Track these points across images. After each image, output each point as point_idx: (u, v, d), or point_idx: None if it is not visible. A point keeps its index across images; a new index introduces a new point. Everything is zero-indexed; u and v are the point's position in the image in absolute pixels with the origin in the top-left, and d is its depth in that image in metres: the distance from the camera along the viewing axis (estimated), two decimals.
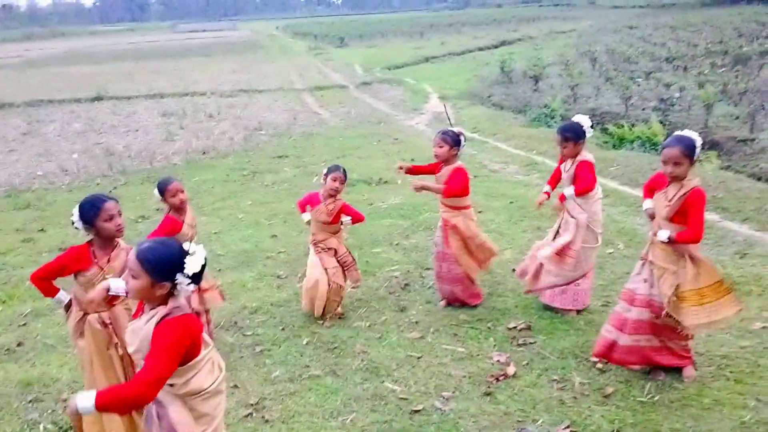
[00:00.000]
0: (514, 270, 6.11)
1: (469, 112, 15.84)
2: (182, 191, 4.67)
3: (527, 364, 4.50)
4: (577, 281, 5.09)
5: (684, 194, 3.85)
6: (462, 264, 5.29)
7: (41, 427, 4.08)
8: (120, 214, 3.59)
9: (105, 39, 72.46)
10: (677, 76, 16.21)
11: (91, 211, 3.51)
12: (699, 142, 3.88)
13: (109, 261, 3.59)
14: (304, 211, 5.34)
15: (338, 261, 5.31)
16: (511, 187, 9.12)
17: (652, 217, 4.21)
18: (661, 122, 11.89)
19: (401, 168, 5.57)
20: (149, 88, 23.05)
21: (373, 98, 19.55)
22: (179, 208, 4.67)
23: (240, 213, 8.72)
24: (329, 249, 5.33)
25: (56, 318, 5.61)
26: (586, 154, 5.03)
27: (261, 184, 10.22)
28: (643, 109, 13.18)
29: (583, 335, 4.82)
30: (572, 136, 4.96)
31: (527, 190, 8.91)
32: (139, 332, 2.55)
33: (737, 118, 11.57)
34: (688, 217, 3.86)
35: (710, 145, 10.63)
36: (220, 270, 6.66)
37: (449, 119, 6.03)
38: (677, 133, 3.98)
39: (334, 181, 5.16)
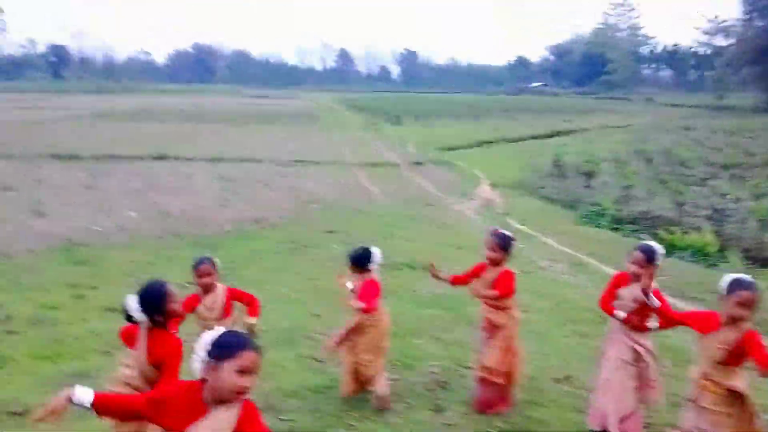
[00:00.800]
0: (555, 378, 6.03)
1: (519, 203, 15.92)
2: (209, 275, 4.79)
3: None
4: None
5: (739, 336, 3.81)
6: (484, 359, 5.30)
7: None
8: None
9: (172, 98, 75.62)
10: (733, 185, 16.04)
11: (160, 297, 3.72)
12: None
13: None
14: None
15: None
16: (557, 287, 9.06)
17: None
18: (714, 232, 11.72)
19: (434, 274, 5.67)
20: (209, 151, 23.84)
21: (423, 179, 19.83)
22: (204, 289, 4.83)
23: (284, 287, 8.84)
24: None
25: (99, 381, 5.71)
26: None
27: (308, 258, 10.37)
28: (696, 217, 13.03)
29: None
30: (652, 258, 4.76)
31: (573, 291, 8.84)
32: None
33: None
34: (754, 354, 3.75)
35: (763, 261, 10.42)
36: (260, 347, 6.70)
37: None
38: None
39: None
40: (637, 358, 4.82)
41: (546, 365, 6.27)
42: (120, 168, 19.58)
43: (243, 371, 2.61)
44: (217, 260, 5.05)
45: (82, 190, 16.01)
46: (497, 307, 5.36)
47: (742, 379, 3.87)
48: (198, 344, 2.71)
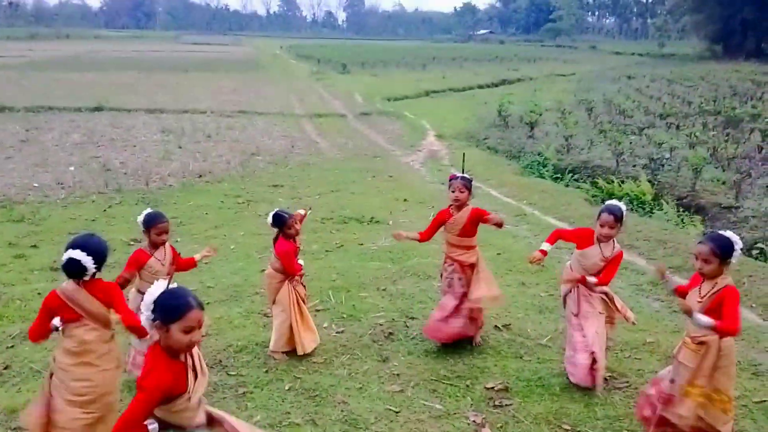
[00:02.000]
0: (496, 326, 6.27)
1: (464, 154, 16.06)
2: (167, 232, 4.89)
3: (501, 427, 4.63)
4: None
5: (717, 291, 4.01)
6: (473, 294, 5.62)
7: None
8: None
9: (109, 44, 72.85)
10: (669, 134, 16.55)
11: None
12: (738, 245, 4.03)
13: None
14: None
15: None
16: (499, 236, 9.26)
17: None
18: (649, 181, 12.14)
19: (399, 236, 5.74)
20: (150, 101, 23.26)
21: (371, 130, 19.81)
22: (155, 245, 4.88)
23: (232, 243, 8.85)
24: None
25: (44, 342, 5.68)
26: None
27: (254, 213, 10.35)
28: (634, 166, 13.45)
29: (558, 401, 4.95)
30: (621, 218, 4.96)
31: (515, 241, 9.09)
32: None
33: (724, 183, 11.85)
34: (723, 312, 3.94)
35: (696, 209, 10.89)
36: (208, 303, 6.75)
37: (463, 168, 6.24)
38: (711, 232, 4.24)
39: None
40: (607, 306, 5.14)
41: (487, 314, 6.47)
42: (57, 120, 18.98)
43: (190, 330, 2.84)
44: None
45: (17, 143, 15.52)
46: (467, 248, 5.63)
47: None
48: (143, 303, 2.88)
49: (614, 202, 5.14)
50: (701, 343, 4.01)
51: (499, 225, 5.57)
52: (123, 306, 3.92)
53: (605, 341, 5.08)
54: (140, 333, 3.77)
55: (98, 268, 3.78)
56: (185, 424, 3.00)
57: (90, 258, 3.69)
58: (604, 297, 5.11)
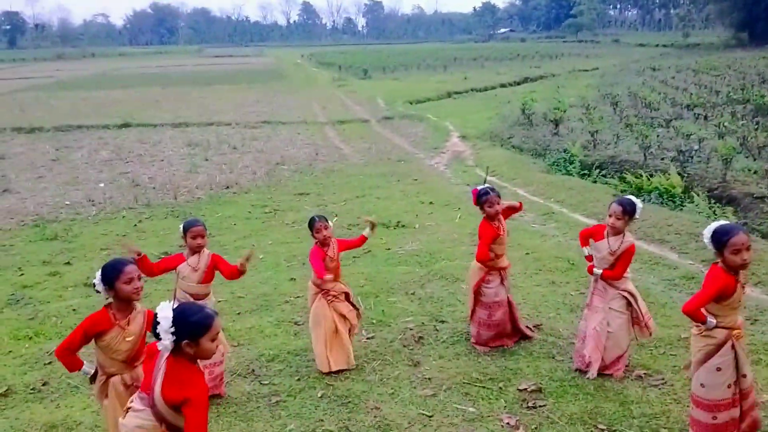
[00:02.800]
0: (527, 327, 6.23)
1: (489, 154, 16.01)
2: (203, 236, 4.95)
3: (536, 428, 4.59)
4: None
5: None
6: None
7: None
8: (139, 278, 3.81)
9: (134, 61, 74.02)
10: (697, 125, 16.29)
11: (112, 273, 3.73)
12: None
13: (128, 323, 3.77)
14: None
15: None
16: (527, 236, 9.23)
17: None
18: (679, 174, 11.95)
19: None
20: (175, 116, 23.58)
21: (394, 134, 19.83)
22: (192, 251, 4.95)
23: (260, 253, 8.91)
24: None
25: (81, 357, 5.79)
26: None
27: (282, 222, 10.43)
28: (662, 159, 13.25)
29: (593, 400, 4.90)
30: (631, 211, 4.97)
31: (543, 241, 9.02)
32: None
33: (755, 172, 11.62)
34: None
35: (727, 200, 10.69)
36: (239, 314, 6.84)
37: (485, 179, 6.20)
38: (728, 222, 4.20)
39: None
40: (628, 304, 5.10)
41: (518, 315, 6.45)
42: (86, 138, 19.34)
43: (216, 337, 3.06)
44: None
45: (48, 163, 15.84)
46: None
47: None
48: (161, 329, 2.92)
49: (629, 197, 5.16)
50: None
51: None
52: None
53: (604, 339, 5.10)
54: None
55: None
56: None
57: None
58: (627, 296, 5.08)
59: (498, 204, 5.49)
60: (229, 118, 22.92)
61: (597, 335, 5.11)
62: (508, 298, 5.77)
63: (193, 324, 2.95)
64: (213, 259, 5.06)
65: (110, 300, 3.81)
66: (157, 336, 2.95)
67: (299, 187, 12.92)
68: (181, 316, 2.94)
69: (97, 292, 3.81)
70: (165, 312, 2.93)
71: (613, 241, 4.98)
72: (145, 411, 3.08)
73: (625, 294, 5.09)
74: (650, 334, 5.21)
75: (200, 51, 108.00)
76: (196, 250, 4.97)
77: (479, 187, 5.64)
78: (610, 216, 4.98)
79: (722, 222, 4.10)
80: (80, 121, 22.37)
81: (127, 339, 3.73)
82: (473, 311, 5.79)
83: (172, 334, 2.91)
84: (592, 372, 5.13)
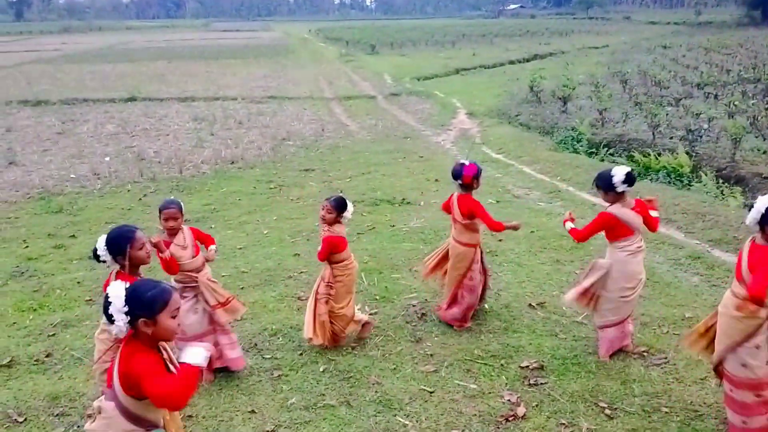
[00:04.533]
0: (530, 305, 6.22)
1: (496, 132, 15.91)
2: (175, 218, 4.74)
3: (537, 405, 4.59)
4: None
5: None
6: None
7: None
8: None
9: (140, 35, 73.67)
10: (707, 104, 16.12)
11: (125, 241, 3.72)
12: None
13: None
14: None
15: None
16: (533, 215, 9.19)
17: None
18: (687, 153, 11.86)
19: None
20: (181, 90, 23.50)
21: (400, 110, 19.71)
22: (169, 233, 4.78)
23: (265, 228, 8.90)
24: None
25: (84, 330, 5.83)
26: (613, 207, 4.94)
27: (287, 198, 10.41)
28: (671, 138, 13.14)
29: (594, 378, 4.89)
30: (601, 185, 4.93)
31: (549, 219, 8.97)
32: None
33: (765, 152, 11.51)
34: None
35: (736, 180, 10.60)
36: (242, 288, 6.83)
37: (467, 155, 6.18)
38: None
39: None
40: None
41: (522, 292, 6.45)
42: (92, 112, 19.29)
43: (176, 314, 2.83)
44: (181, 203, 4.94)
45: (54, 136, 15.82)
46: (467, 228, 5.67)
47: None
48: (113, 309, 2.74)
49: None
50: None
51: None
52: None
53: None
54: None
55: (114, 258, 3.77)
56: (159, 421, 2.98)
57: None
58: None
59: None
60: (235, 92, 22.82)
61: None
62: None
63: (148, 299, 2.74)
64: (193, 232, 4.94)
65: (117, 268, 3.78)
66: (110, 318, 2.75)
67: (304, 163, 12.87)
68: (134, 293, 2.75)
69: (101, 261, 3.79)
70: (117, 291, 2.74)
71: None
72: (110, 406, 2.87)
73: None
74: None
75: (207, 25, 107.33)
76: (170, 232, 4.75)
77: (471, 163, 5.63)
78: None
79: None
80: (86, 95, 22.32)
81: None
82: (457, 296, 5.80)
83: (126, 313, 2.72)
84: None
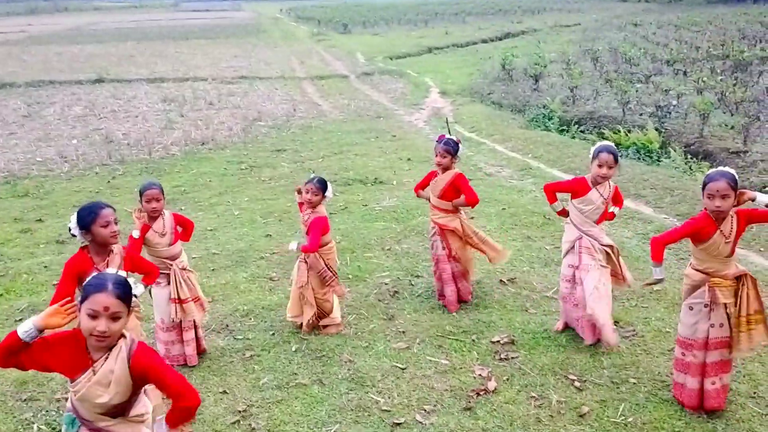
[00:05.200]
0: (501, 281, 6.26)
1: (469, 110, 15.90)
2: (158, 200, 4.69)
3: (508, 379, 4.64)
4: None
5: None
6: (463, 262, 5.69)
7: (35, 427, 4.22)
8: (116, 222, 3.78)
9: (109, 16, 72.07)
10: (677, 81, 16.26)
11: (89, 216, 3.70)
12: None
13: (107, 266, 3.71)
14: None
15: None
16: (504, 192, 9.23)
17: None
18: (657, 129, 11.97)
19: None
20: (150, 71, 23.10)
21: (373, 90, 19.60)
22: (151, 216, 4.73)
23: (236, 210, 8.83)
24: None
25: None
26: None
27: (258, 179, 10.32)
28: (641, 115, 13.24)
29: (564, 352, 4.96)
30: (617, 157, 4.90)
31: (520, 196, 9.02)
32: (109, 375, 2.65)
33: (732, 128, 11.65)
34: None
35: (704, 155, 10.74)
36: (213, 270, 6.79)
37: (449, 130, 6.08)
38: (721, 168, 4.00)
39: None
40: (608, 258, 4.97)
41: (492, 269, 6.47)
42: (58, 94, 18.89)
43: (93, 315, 2.55)
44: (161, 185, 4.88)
45: (20, 119, 15.48)
46: (448, 211, 5.56)
47: None
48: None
49: (608, 142, 5.04)
50: (738, 277, 3.99)
51: (468, 201, 5.50)
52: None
53: (609, 294, 4.90)
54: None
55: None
56: None
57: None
58: (609, 250, 4.95)
59: (442, 157, 5.48)
60: (205, 73, 22.48)
61: (600, 294, 4.80)
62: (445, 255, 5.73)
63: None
64: (175, 219, 4.88)
65: (86, 243, 3.78)
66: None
67: (276, 143, 12.76)
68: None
69: (73, 236, 3.77)
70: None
71: (602, 189, 4.88)
72: None
73: (607, 249, 4.94)
74: (629, 285, 5.15)
75: (176, 5, 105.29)
76: (152, 215, 4.70)
77: (445, 134, 5.60)
78: (601, 166, 4.73)
79: (722, 168, 4.00)
80: (53, 77, 21.83)
81: None
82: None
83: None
84: (612, 338, 4.70)
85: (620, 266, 5.03)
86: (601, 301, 4.78)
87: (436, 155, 5.45)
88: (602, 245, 4.96)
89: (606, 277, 4.94)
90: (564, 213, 5.18)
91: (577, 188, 4.95)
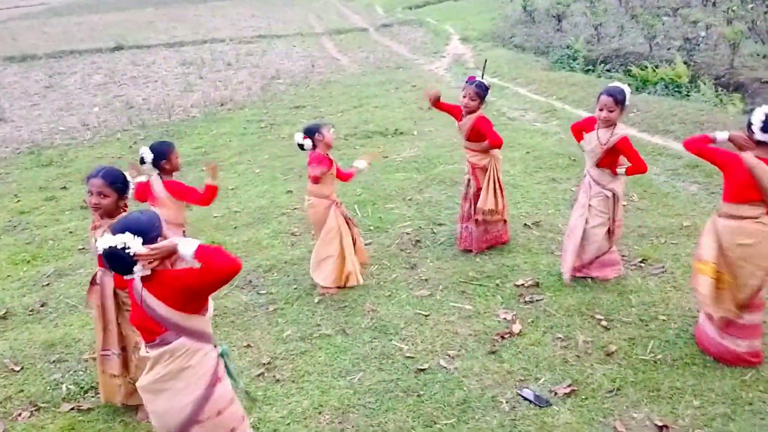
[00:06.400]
0: (525, 224, 6.14)
1: (491, 55, 15.50)
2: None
3: (533, 321, 4.56)
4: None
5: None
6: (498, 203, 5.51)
7: (63, 387, 4.27)
8: (99, 194, 3.50)
9: None
10: (706, 13, 15.63)
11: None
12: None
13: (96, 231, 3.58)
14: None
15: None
16: (528, 135, 9.02)
17: None
18: (685, 63, 11.54)
19: (431, 99, 5.45)
20: (169, 36, 23.03)
21: (393, 41, 19.28)
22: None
23: (257, 168, 8.79)
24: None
25: (78, 278, 5.81)
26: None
27: (278, 136, 10.24)
28: (668, 49, 12.77)
29: (590, 292, 4.85)
30: (622, 100, 4.62)
31: (544, 138, 8.81)
32: None
33: (764, 57, 11.18)
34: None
35: (735, 87, 10.35)
36: (236, 228, 6.78)
37: (483, 73, 5.87)
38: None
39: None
40: (606, 204, 4.80)
41: (517, 213, 6.35)
42: (79, 64, 18.95)
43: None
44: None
45: (42, 90, 15.58)
46: (480, 151, 5.43)
47: None
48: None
49: (616, 83, 4.77)
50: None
51: (492, 143, 5.32)
52: None
53: (578, 236, 4.85)
54: None
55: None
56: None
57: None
58: (610, 196, 4.76)
59: (471, 99, 5.28)
60: (224, 34, 22.33)
61: (571, 231, 4.93)
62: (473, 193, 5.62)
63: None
64: (168, 188, 4.47)
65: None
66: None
67: (295, 100, 12.64)
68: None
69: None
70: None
71: (603, 133, 4.64)
72: (179, 341, 2.76)
73: (608, 194, 4.76)
74: (611, 241, 4.94)
75: None
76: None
77: (474, 76, 5.43)
78: (601, 109, 4.59)
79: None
80: (73, 47, 21.86)
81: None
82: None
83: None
84: (565, 273, 4.95)
85: (614, 218, 4.84)
86: (568, 238, 4.97)
87: (464, 96, 5.27)
88: (605, 189, 4.77)
89: (583, 220, 4.85)
90: None
91: (587, 126, 4.83)
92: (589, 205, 4.84)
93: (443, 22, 21.68)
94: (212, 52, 18.80)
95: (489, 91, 5.37)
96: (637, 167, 4.66)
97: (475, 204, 5.51)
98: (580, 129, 4.96)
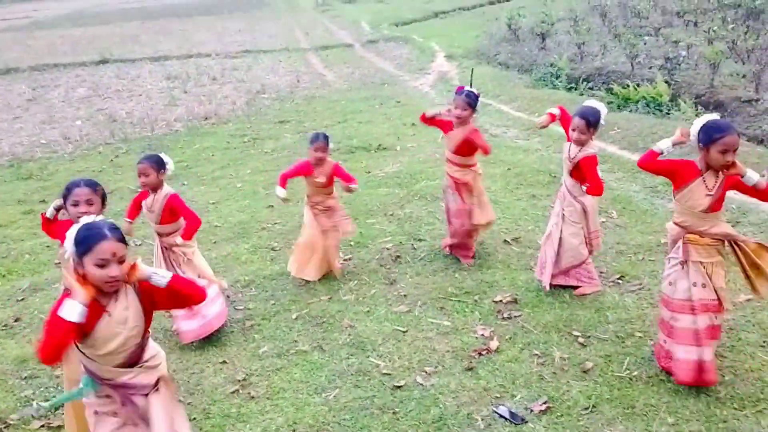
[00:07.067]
0: (505, 240, 6.15)
1: (475, 72, 15.59)
2: (146, 175, 4.54)
3: (510, 338, 4.55)
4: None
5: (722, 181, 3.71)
6: (474, 219, 5.59)
7: (35, 404, 4.20)
8: (89, 203, 3.46)
9: None
10: (687, 32, 15.86)
11: (65, 191, 3.55)
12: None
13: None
14: (284, 185, 5.34)
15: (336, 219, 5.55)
16: (510, 152, 9.06)
17: None
18: (666, 82, 11.68)
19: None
20: (154, 50, 22.98)
21: (378, 57, 19.35)
22: (153, 189, 4.65)
23: (238, 182, 8.77)
24: (326, 209, 5.46)
25: (53, 293, 5.74)
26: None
27: (261, 151, 10.23)
28: (650, 68, 12.93)
29: (568, 308, 4.85)
30: (595, 122, 4.66)
31: (526, 155, 8.86)
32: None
33: (744, 76, 11.34)
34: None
35: (714, 105, 10.47)
36: (215, 242, 6.74)
37: (471, 82, 5.90)
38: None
39: (316, 151, 5.33)
40: (578, 215, 4.89)
41: (497, 229, 6.35)
42: (63, 77, 18.87)
43: (102, 264, 2.52)
44: (168, 160, 4.68)
45: (24, 103, 15.48)
46: (464, 165, 5.49)
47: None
48: (66, 244, 2.60)
49: (592, 103, 4.78)
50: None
51: (485, 152, 5.38)
52: None
53: (556, 244, 4.94)
54: None
55: None
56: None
57: None
58: (584, 208, 4.87)
59: (462, 110, 5.32)
60: (209, 49, 22.32)
61: (547, 238, 5.06)
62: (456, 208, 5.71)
63: (80, 239, 2.56)
64: (170, 202, 4.61)
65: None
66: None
67: (279, 115, 12.64)
68: (80, 228, 2.59)
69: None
70: (77, 225, 2.62)
71: (574, 148, 4.75)
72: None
73: (578, 206, 4.86)
74: (590, 252, 5.02)
75: None
76: (154, 189, 4.60)
77: (464, 86, 5.46)
78: (573, 130, 4.68)
79: (716, 118, 3.79)
80: (57, 60, 21.78)
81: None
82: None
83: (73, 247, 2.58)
84: (544, 281, 5.03)
85: (588, 230, 4.94)
86: (546, 245, 5.05)
87: (456, 107, 5.29)
88: (575, 200, 4.88)
89: (558, 228, 4.95)
90: None
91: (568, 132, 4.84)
92: (563, 214, 4.93)
93: (429, 40, 21.79)
94: (197, 67, 18.79)
95: (479, 99, 5.42)
96: (593, 188, 4.74)
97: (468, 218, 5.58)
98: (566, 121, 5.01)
